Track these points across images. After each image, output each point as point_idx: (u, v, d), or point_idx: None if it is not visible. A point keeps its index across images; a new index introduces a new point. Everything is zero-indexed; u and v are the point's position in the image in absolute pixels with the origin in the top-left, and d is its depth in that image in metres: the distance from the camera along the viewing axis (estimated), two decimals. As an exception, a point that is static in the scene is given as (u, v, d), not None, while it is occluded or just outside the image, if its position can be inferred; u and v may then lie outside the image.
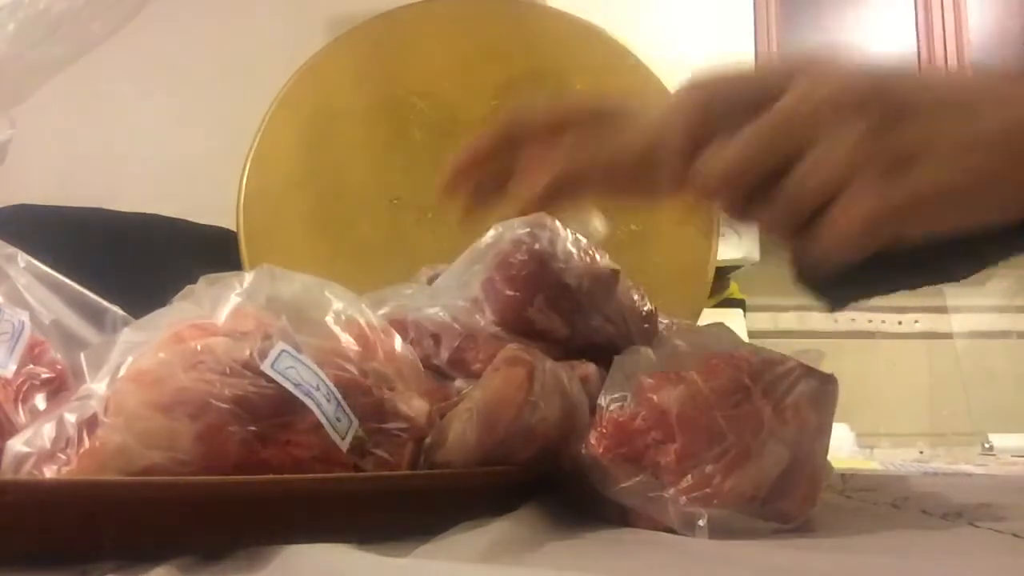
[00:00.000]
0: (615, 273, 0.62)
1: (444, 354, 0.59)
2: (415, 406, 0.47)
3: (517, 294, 0.60)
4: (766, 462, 0.48)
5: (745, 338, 0.58)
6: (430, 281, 0.72)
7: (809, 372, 0.53)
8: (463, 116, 1.14)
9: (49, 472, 0.39)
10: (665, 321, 0.69)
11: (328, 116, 1.14)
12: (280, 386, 0.40)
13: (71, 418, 0.40)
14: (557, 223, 0.62)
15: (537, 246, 0.60)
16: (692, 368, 0.51)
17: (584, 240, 0.63)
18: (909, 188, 0.42)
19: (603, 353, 0.60)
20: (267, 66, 1.29)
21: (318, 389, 0.41)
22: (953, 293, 2.12)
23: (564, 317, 0.61)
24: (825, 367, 0.55)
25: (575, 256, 0.61)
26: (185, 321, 0.42)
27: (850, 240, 0.43)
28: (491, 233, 0.63)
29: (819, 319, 2.08)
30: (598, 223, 0.66)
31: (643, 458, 0.49)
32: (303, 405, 0.40)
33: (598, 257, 0.62)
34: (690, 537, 0.46)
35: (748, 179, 0.46)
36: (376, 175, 1.14)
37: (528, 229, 0.61)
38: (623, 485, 0.49)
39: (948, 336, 2.11)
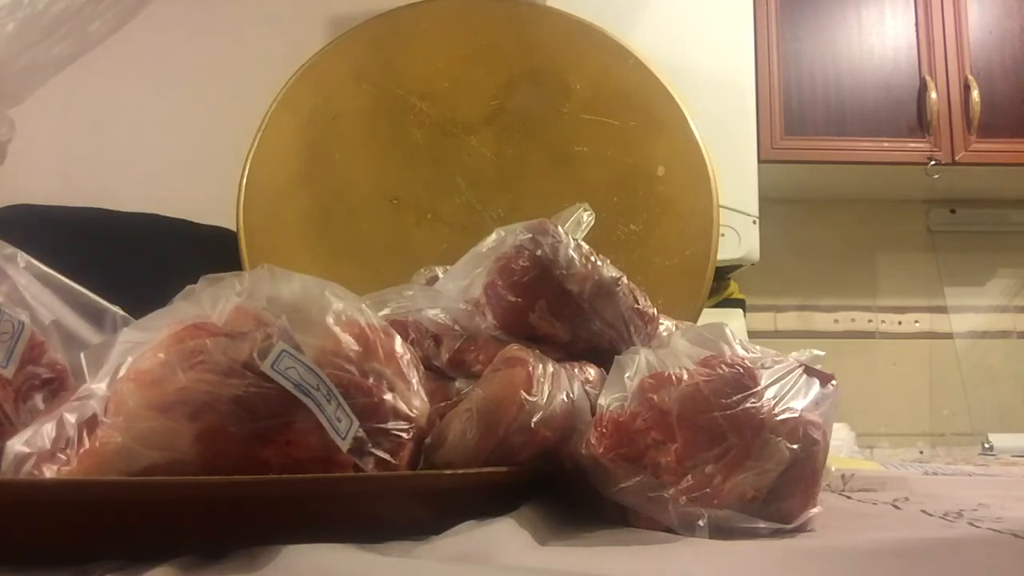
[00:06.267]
0: (616, 279, 0.62)
1: (444, 355, 0.59)
2: (415, 406, 0.47)
3: (519, 300, 0.60)
4: (766, 462, 0.48)
5: (745, 338, 0.57)
6: (428, 283, 0.72)
7: (809, 372, 0.53)
8: (463, 116, 1.14)
9: (49, 472, 0.39)
10: (665, 321, 0.69)
11: (328, 116, 1.14)
12: (280, 386, 0.40)
13: (71, 418, 0.40)
14: (560, 229, 0.62)
15: (539, 252, 0.60)
16: (692, 368, 0.51)
17: (586, 246, 0.63)
18: None
19: (604, 355, 0.60)
20: (267, 66, 1.29)
21: (318, 389, 0.41)
22: (953, 293, 2.12)
23: (565, 323, 0.61)
24: (825, 367, 0.55)
25: (577, 262, 0.61)
26: (185, 321, 0.42)
27: None
28: (493, 237, 0.63)
29: (819, 319, 2.08)
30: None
31: (643, 458, 0.49)
32: (303, 405, 0.40)
33: (599, 263, 0.62)
34: (690, 537, 0.46)
35: None
36: (376, 175, 1.14)
37: (530, 235, 0.61)
38: (623, 485, 0.49)
39: (948, 336, 2.10)
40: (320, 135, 1.14)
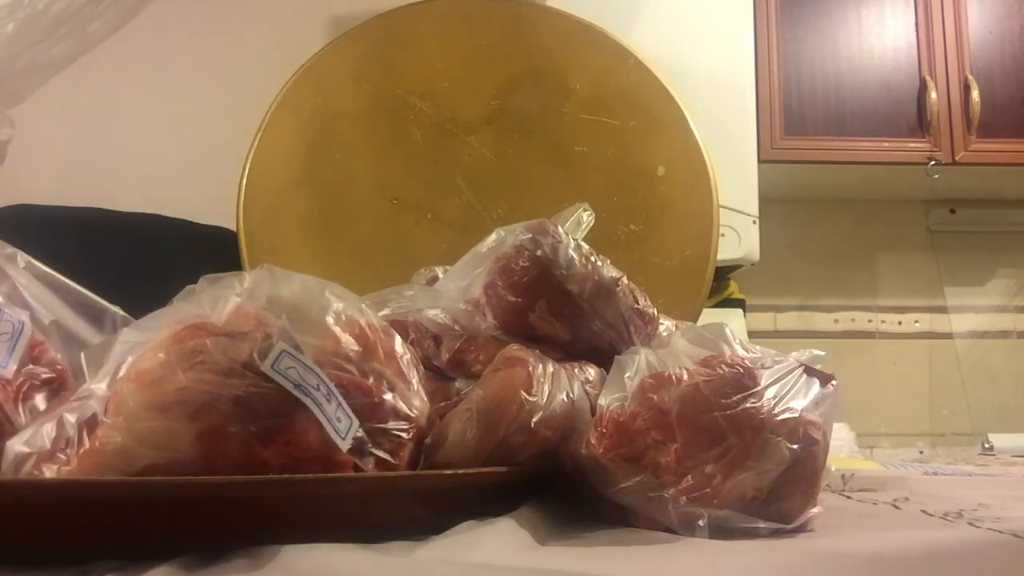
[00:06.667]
0: (616, 280, 0.62)
1: (444, 355, 0.59)
2: (415, 406, 0.47)
3: (519, 300, 0.60)
4: (766, 462, 0.48)
5: (745, 338, 0.57)
6: (428, 283, 0.72)
7: (809, 372, 0.53)
8: (463, 116, 1.14)
9: (49, 472, 0.39)
10: (665, 321, 0.69)
11: (328, 116, 1.14)
12: (280, 386, 0.40)
13: (71, 418, 0.40)
14: (560, 229, 0.62)
15: (539, 252, 0.60)
16: (692, 368, 0.51)
17: (586, 246, 0.63)
18: None
19: (604, 355, 0.60)
20: (267, 66, 1.30)
21: (318, 389, 0.41)
22: (953, 293, 2.12)
23: (565, 323, 0.61)
24: (825, 367, 0.55)
25: (577, 263, 0.60)
26: (185, 321, 0.42)
27: None
28: (493, 237, 0.63)
29: (819, 319, 2.08)
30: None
31: (643, 458, 0.49)
32: (303, 405, 0.40)
33: (599, 263, 0.62)
34: (690, 537, 0.46)
35: None
36: (376, 175, 1.14)
37: (530, 235, 0.61)
38: (623, 485, 0.49)
39: (948, 336, 2.10)
40: (320, 135, 1.14)
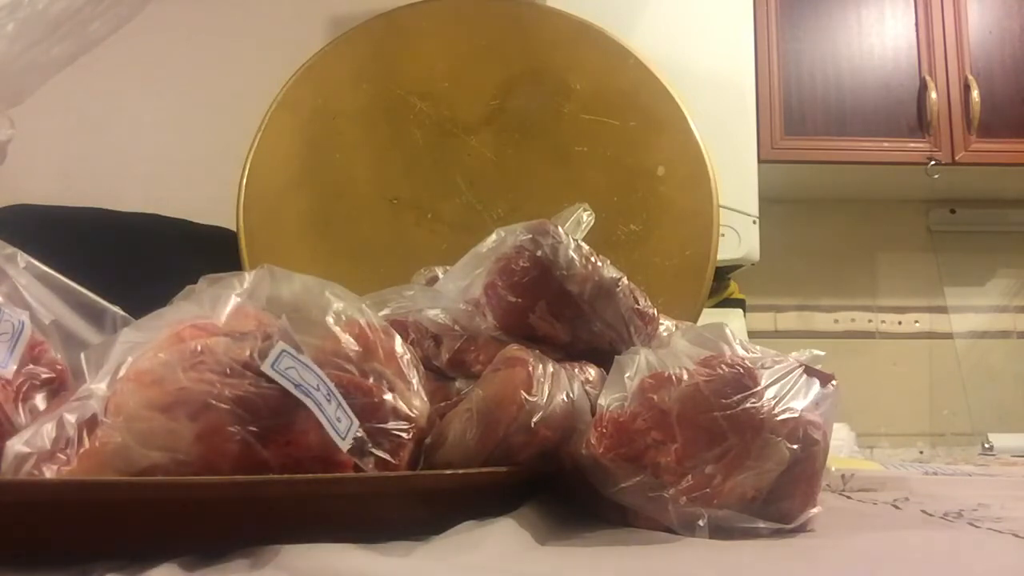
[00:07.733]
0: (616, 280, 0.62)
1: (444, 355, 0.59)
2: (415, 406, 0.47)
3: (519, 301, 0.60)
4: (766, 462, 0.48)
5: (745, 338, 0.57)
6: (428, 283, 0.72)
7: (809, 372, 0.53)
8: (463, 116, 1.14)
9: (49, 472, 0.39)
10: (665, 321, 0.69)
11: (328, 116, 1.14)
12: (280, 386, 0.40)
13: (71, 418, 0.40)
14: (560, 229, 0.62)
15: (539, 253, 0.60)
16: (692, 368, 0.51)
17: (586, 247, 0.63)
18: None
19: (604, 356, 0.60)
20: (267, 66, 1.29)
21: (318, 389, 0.41)
22: (953, 293, 2.12)
23: (565, 323, 0.61)
24: (825, 367, 0.55)
25: (577, 263, 0.60)
26: (185, 321, 0.42)
27: None
28: (493, 238, 0.63)
29: (819, 319, 2.08)
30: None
31: (643, 458, 0.49)
32: (303, 405, 0.40)
33: (600, 264, 0.62)
34: (690, 537, 0.46)
35: None
36: (376, 175, 1.13)
37: (530, 235, 0.61)
38: (623, 485, 0.49)
39: (948, 336, 2.10)
40: (320, 135, 1.14)
